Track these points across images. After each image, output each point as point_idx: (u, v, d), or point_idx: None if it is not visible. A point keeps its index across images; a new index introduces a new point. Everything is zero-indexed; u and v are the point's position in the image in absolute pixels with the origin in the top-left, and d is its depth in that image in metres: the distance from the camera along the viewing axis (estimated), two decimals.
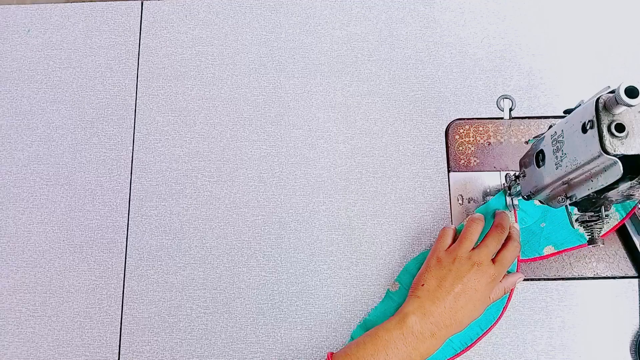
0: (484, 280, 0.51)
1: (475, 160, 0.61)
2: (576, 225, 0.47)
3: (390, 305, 0.56)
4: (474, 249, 0.53)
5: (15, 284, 0.60)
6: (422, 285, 0.51)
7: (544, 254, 0.57)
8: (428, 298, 0.50)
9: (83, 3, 0.69)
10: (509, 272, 0.55)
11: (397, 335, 0.48)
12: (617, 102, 0.35)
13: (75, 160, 0.64)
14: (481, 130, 0.62)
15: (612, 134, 0.36)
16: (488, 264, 0.51)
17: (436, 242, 0.55)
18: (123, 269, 0.60)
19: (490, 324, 0.55)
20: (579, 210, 0.47)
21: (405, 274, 0.57)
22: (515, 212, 0.56)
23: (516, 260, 0.55)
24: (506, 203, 0.57)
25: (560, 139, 0.42)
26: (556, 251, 0.57)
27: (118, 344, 0.58)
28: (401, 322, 0.49)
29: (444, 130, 0.63)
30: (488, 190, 0.60)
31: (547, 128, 0.46)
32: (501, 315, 0.55)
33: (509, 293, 0.54)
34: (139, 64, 0.66)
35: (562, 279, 0.57)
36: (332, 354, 0.49)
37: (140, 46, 0.67)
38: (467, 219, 0.55)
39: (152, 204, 0.62)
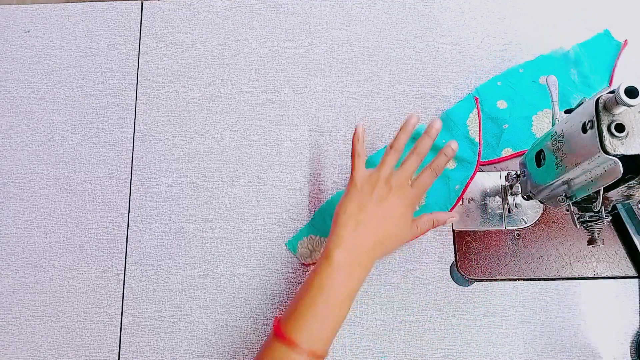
0: (403, 202, 0.52)
1: None
2: (578, 225, 0.47)
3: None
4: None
5: (15, 284, 0.60)
6: (344, 213, 0.51)
7: (502, 156, 0.60)
8: (348, 226, 0.50)
9: (83, 3, 0.69)
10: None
11: (328, 274, 0.49)
12: (617, 102, 0.35)
13: (75, 160, 0.64)
14: None
15: (612, 134, 0.36)
16: (406, 186, 0.53)
17: (352, 170, 0.54)
18: (123, 269, 0.60)
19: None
20: (579, 210, 0.47)
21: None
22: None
23: (456, 200, 0.58)
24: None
25: (561, 139, 0.42)
26: (514, 152, 0.60)
27: (118, 344, 0.58)
28: (328, 259, 0.49)
29: None
30: (488, 191, 0.60)
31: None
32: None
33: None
34: (139, 64, 0.66)
35: (562, 279, 0.57)
36: (278, 318, 0.49)
37: (140, 46, 0.67)
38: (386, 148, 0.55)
39: (152, 204, 0.62)
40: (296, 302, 0.49)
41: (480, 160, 0.59)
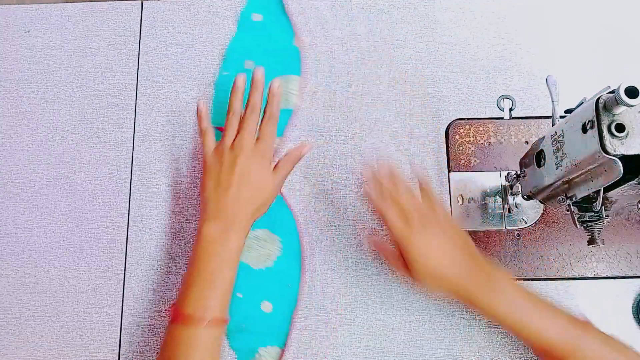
0: (255, 159, 0.54)
1: (475, 160, 0.61)
2: (578, 225, 0.47)
3: None
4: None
5: (15, 284, 0.60)
6: (205, 192, 0.54)
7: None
8: (211, 200, 0.53)
9: (83, 3, 0.69)
10: None
11: (202, 249, 0.51)
12: (617, 102, 0.35)
13: (75, 160, 0.63)
14: (481, 130, 0.62)
15: (612, 134, 0.36)
16: (251, 145, 0.54)
17: (202, 148, 0.56)
18: (123, 269, 0.60)
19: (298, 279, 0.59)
20: (579, 210, 0.47)
21: None
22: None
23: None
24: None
25: (561, 139, 0.42)
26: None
27: (118, 344, 0.58)
28: (198, 237, 0.52)
29: (444, 130, 0.63)
30: (488, 191, 0.60)
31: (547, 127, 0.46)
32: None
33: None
34: (139, 64, 0.66)
35: (562, 279, 0.57)
36: (173, 304, 0.52)
37: (140, 46, 0.67)
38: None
39: (152, 204, 0.62)
40: (182, 284, 0.52)
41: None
